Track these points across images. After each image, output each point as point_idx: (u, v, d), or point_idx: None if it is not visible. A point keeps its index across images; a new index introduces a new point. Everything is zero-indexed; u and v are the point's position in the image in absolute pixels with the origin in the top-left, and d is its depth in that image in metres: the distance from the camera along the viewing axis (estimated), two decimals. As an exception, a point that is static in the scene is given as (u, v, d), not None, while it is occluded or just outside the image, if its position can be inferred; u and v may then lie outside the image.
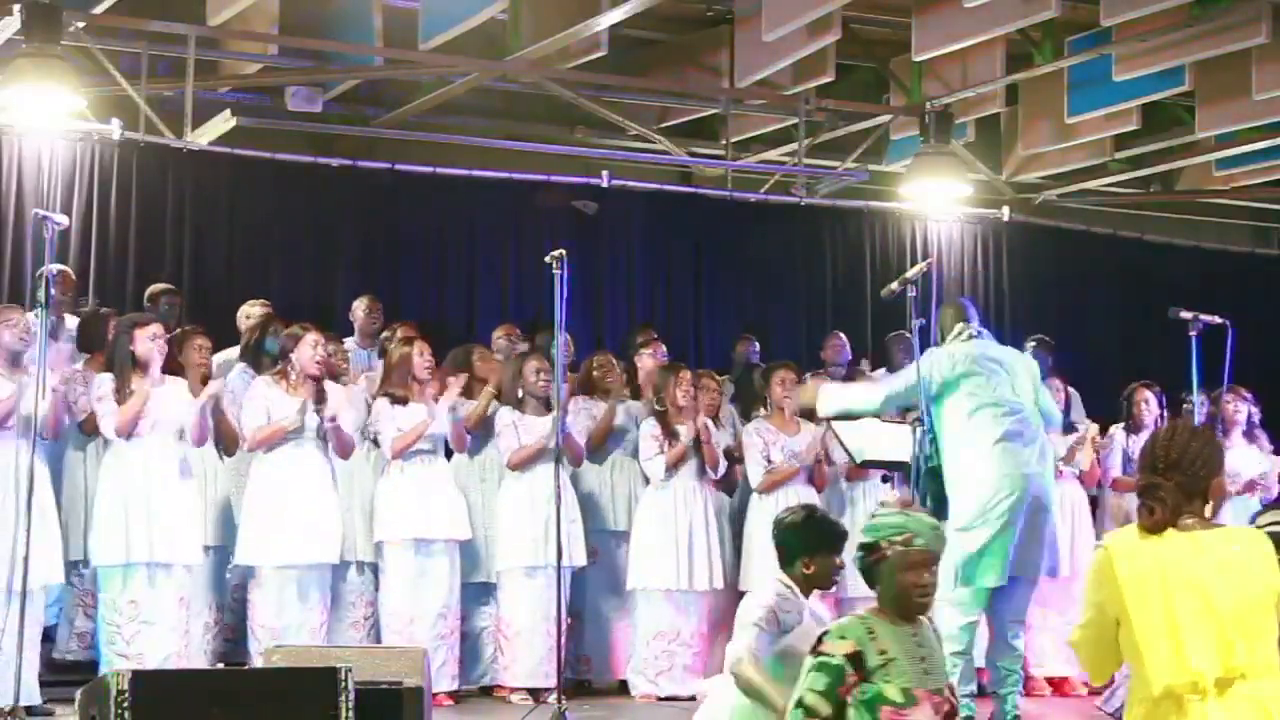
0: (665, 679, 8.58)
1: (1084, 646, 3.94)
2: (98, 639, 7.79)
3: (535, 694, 8.29)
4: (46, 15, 8.88)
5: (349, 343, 9.43)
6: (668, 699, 8.53)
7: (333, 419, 7.86)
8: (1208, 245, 13.61)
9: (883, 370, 10.18)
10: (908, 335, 7.51)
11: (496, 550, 8.56)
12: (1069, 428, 9.40)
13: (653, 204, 11.47)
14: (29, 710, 7.03)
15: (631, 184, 11.40)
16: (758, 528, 8.76)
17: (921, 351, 7.31)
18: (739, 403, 9.75)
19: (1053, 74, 11.11)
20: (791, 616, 5.36)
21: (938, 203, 11.94)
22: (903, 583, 4.31)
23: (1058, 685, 9.13)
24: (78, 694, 5.61)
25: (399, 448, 8.21)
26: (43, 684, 7.37)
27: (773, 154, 12.54)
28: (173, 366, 7.85)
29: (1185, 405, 9.53)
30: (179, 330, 8.37)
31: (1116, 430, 9.60)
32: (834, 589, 7.00)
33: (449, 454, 8.55)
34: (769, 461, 8.86)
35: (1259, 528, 5.12)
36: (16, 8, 8.92)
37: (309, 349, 7.94)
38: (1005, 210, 12.52)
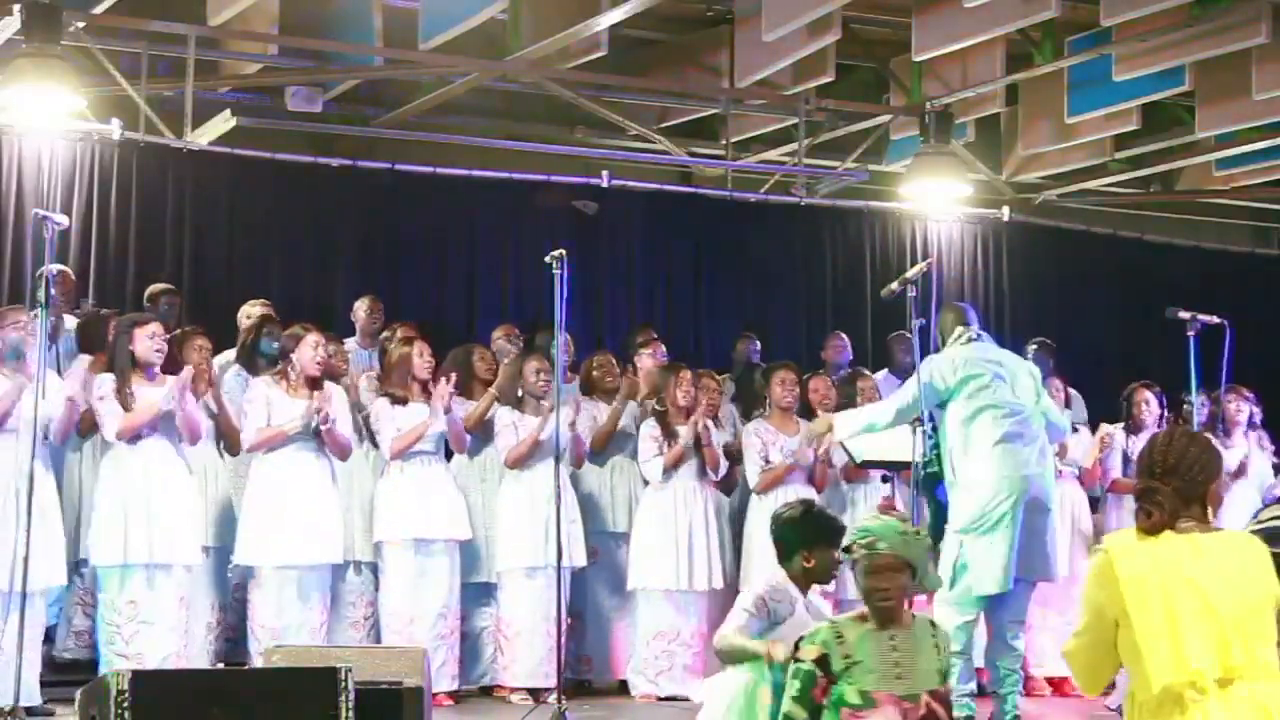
0: (665, 679, 8.58)
1: (1080, 654, 3.93)
2: (97, 638, 7.79)
3: (535, 694, 8.29)
4: (46, 15, 8.88)
5: (350, 343, 9.44)
6: (668, 699, 8.54)
7: (332, 421, 7.85)
8: (1208, 245, 13.61)
9: (884, 371, 10.19)
10: (908, 335, 7.51)
11: (497, 550, 8.56)
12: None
13: (653, 204, 11.47)
14: (29, 710, 7.03)
15: (631, 184, 11.40)
16: (757, 528, 8.76)
17: (922, 352, 7.31)
18: (740, 403, 9.75)
19: (1053, 74, 11.11)
20: (783, 607, 5.38)
21: (938, 203, 11.94)
22: (865, 586, 4.39)
23: (1058, 685, 9.13)
24: (78, 694, 5.61)
25: (398, 448, 8.21)
26: (43, 684, 7.37)
27: (773, 154, 12.54)
28: (173, 367, 7.85)
29: (1185, 405, 9.53)
30: (179, 330, 8.37)
31: (1116, 431, 9.59)
32: (834, 589, 7.02)
33: (449, 454, 8.56)
34: (767, 462, 8.86)
35: (1262, 521, 5.14)
36: (16, 8, 8.92)
37: (310, 350, 7.94)
38: (1005, 210, 12.52)
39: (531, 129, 12.07)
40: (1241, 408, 9.67)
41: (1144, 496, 3.82)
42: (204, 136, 10.27)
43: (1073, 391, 9.81)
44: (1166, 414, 9.58)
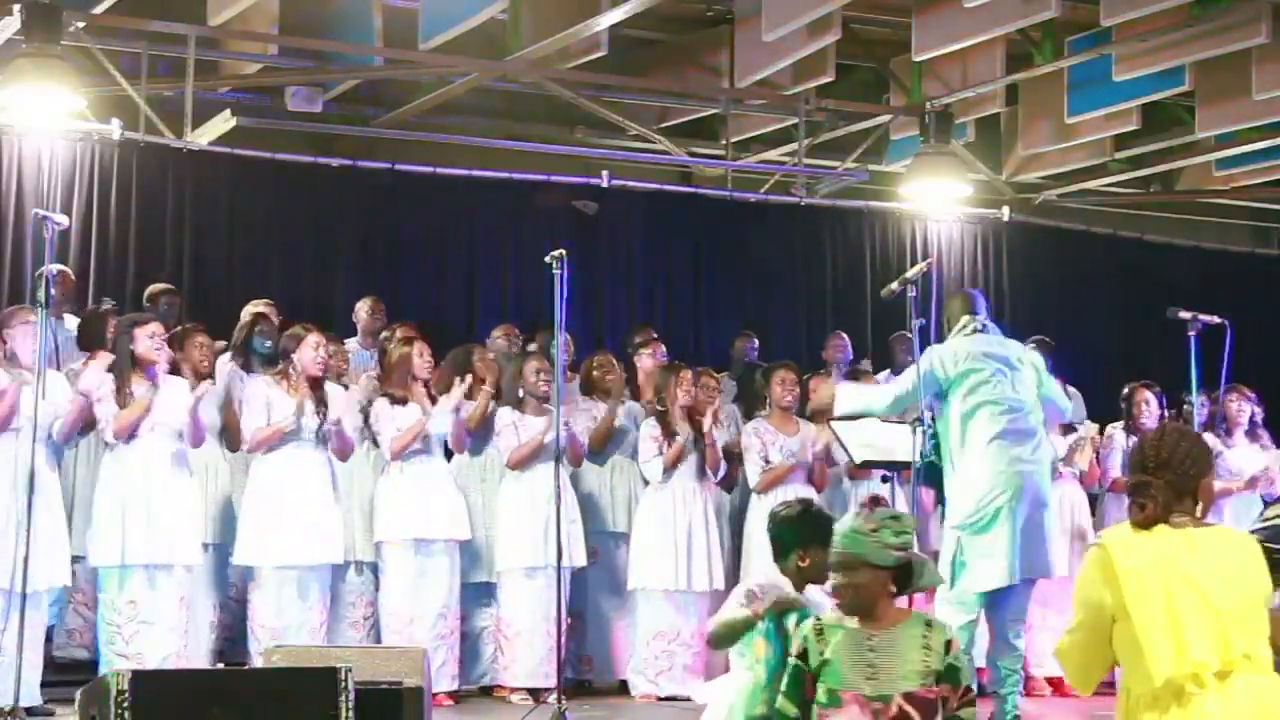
0: (665, 679, 8.58)
1: (1073, 652, 3.93)
2: (96, 638, 7.80)
3: (535, 694, 8.29)
4: (46, 15, 8.88)
5: (352, 343, 9.45)
6: (668, 699, 8.54)
7: (336, 421, 7.87)
8: (1208, 245, 13.61)
9: (886, 373, 10.18)
10: (909, 335, 7.51)
11: (496, 550, 8.56)
12: (1068, 428, 9.41)
13: (653, 204, 11.47)
14: (29, 710, 7.03)
15: (631, 184, 11.40)
16: (757, 527, 8.75)
17: (923, 351, 7.31)
18: (742, 402, 9.75)
19: (1053, 74, 11.11)
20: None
21: (938, 203, 11.94)
22: (833, 585, 4.40)
23: (1058, 685, 9.12)
24: (78, 694, 5.61)
25: (398, 448, 8.21)
26: (42, 684, 7.37)
27: (773, 154, 12.54)
28: (173, 366, 7.85)
29: (1185, 405, 9.54)
30: (179, 329, 8.37)
31: (1116, 430, 9.60)
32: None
33: (449, 454, 8.56)
34: (767, 462, 8.86)
35: (1266, 520, 5.17)
36: (16, 8, 8.93)
37: (310, 350, 7.94)
38: (1005, 210, 12.52)
39: (531, 129, 12.07)
40: (1243, 407, 9.67)
41: (1137, 490, 3.85)
42: (204, 136, 10.27)
43: (1072, 391, 9.80)
44: (1166, 414, 9.58)
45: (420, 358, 8.41)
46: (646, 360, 9.46)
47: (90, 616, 8.16)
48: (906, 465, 7.43)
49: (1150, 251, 13.03)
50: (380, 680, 5.86)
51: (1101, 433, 9.65)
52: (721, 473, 8.90)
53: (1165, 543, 3.79)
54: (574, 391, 9.03)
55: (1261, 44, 9.72)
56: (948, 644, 4.30)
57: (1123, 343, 12.13)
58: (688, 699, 8.49)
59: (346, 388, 8.39)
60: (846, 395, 7.77)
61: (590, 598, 8.91)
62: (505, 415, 8.57)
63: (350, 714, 5.35)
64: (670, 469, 8.66)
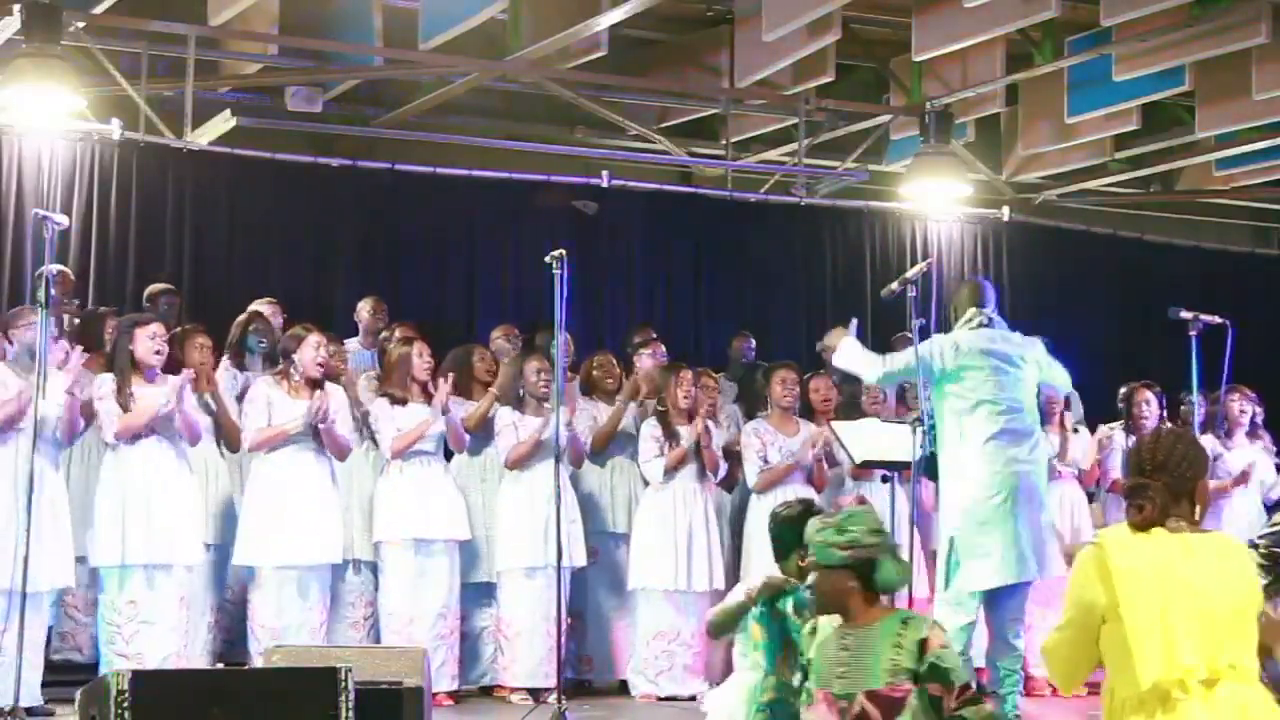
0: (665, 679, 8.59)
1: (1060, 649, 3.93)
2: (87, 641, 7.81)
3: (535, 694, 8.29)
4: (46, 15, 8.88)
5: (353, 343, 9.45)
6: (668, 699, 8.54)
7: (330, 420, 7.86)
8: (1208, 245, 13.61)
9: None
10: (909, 336, 7.50)
11: (496, 550, 8.56)
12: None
13: (653, 204, 11.47)
14: (29, 710, 7.03)
15: (631, 184, 11.40)
16: (757, 527, 8.76)
17: (923, 347, 7.31)
18: (743, 403, 9.75)
19: (1053, 74, 11.11)
20: None
21: (938, 203, 11.94)
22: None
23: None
24: (78, 694, 5.61)
25: (398, 448, 8.21)
26: (42, 684, 7.37)
27: (773, 154, 12.54)
28: (173, 366, 7.85)
29: (1183, 406, 9.53)
30: (179, 329, 8.37)
31: (1116, 431, 9.59)
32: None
33: (449, 454, 8.56)
34: (766, 462, 8.86)
35: (1272, 528, 5.18)
36: (16, 8, 8.93)
37: (311, 350, 7.94)
38: (1005, 210, 12.52)
39: (531, 129, 12.07)
40: (1245, 408, 9.67)
41: (1135, 492, 3.86)
42: (204, 136, 10.27)
43: (1072, 392, 9.79)
44: (1166, 414, 9.58)
45: (420, 358, 8.41)
46: (646, 360, 9.45)
47: (82, 619, 8.15)
48: (906, 465, 7.43)
49: (1150, 251, 13.03)
50: (380, 680, 5.87)
51: (1092, 431, 9.65)
52: (722, 473, 8.90)
53: (1162, 546, 3.79)
54: (574, 391, 9.03)
55: (1261, 44, 9.71)
56: (922, 642, 4.28)
57: (1123, 343, 12.13)
58: (690, 698, 8.50)
59: (345, 388, 8.39)
60: (847, 350, 7.69)
61: (590, 598, 8.91)
62: (505, 415, 8.57)
63: (350, 714, 5.35)
64: (672, 471, 8.66)
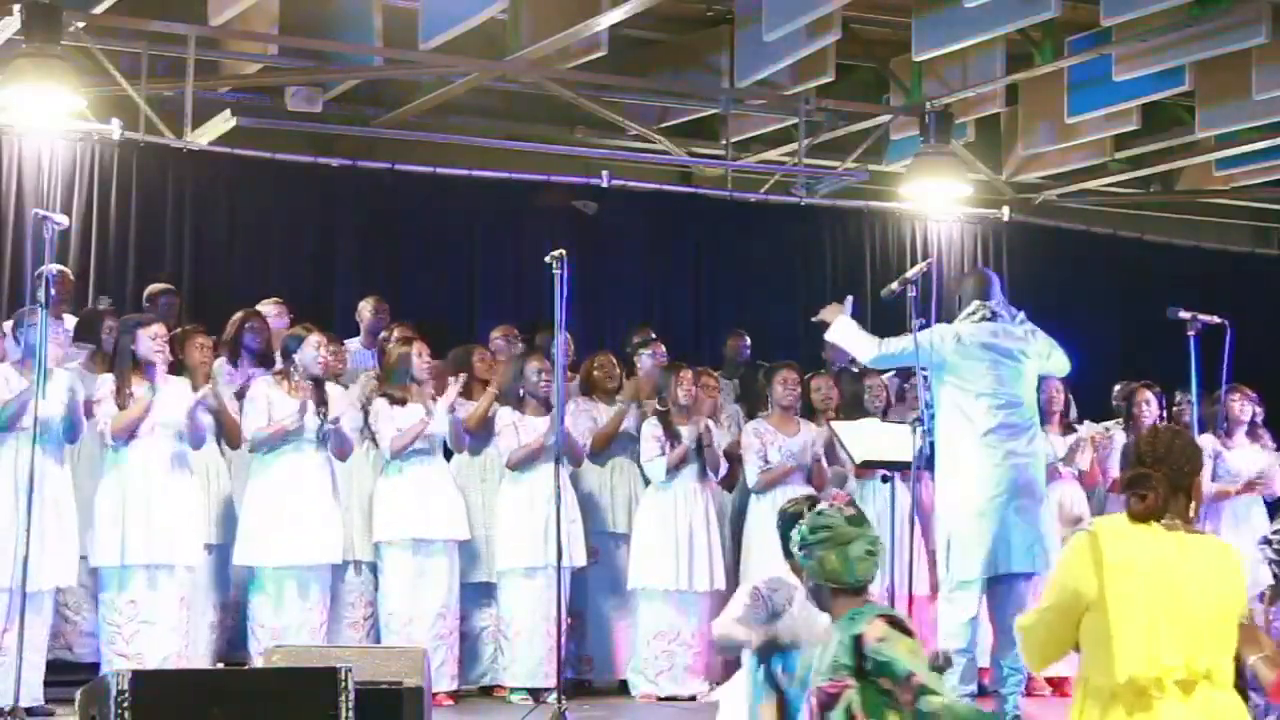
0: (665, 679, 8.58)
1: (1038, 629, 3.94)
2: (86, 637, 7.81)
3: (535, 694, 8.29)
4: (46, 15, 8.88)
5: (354, 343, 9.45)
6: (668, 699, 8.54)
7: (335, 420, 7.87)
8: (1208, 245, 13.61)
9: (890, 373, 10.18)
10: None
11: (496, 550, 8.56)
12: (1068, 428, 9.41)
13: (653, 204, 11.46)
14: (29, 710, 7.02)
15: (631, 184, 11.39)
16: (757, 527, 8.77)
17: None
18: (744, 403, 9.74)
19: (1053, 74, 11.11)
20: (781, 597, 5.41)
21: (938, 203, 11.94)
22: None
23: (1058, 685, 9.12)
24: (78, 694, 5.61)
25: (397, 447, 8.21)
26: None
27: (773, 154, 12.53)
28: (173, 366, 7.85)
29: (1176, 407, 9.53)
30: (180, 329, 8.37)
31: (1116, 430, 9.59)
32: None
33: (448, 454, 8.56)
34: (766, 462, 8.86)
35: (1276, 532, 5.22)
36: (16, 8, 8.93)
37: (312, 350, 7.94)
38: (1005, 210, 12.52)
39: (531, 129, 12.06)
40: (1245, 408, 9.66)
41: (1136, 483, 3.87)
42: (204, 136, 10.27)
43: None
44: (1165, 414, 9.58)
45: (419, 358, 8.41)
46: (646, 360, 9.46)
47: (72, 617, 8.13)
48: (906, 465, 7.43)
49: (1150, 251, 13.03)
50: (380, 680, 5.87)
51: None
52: (723, 472, 8.89)
53: (1156, 542, 3.81)
54: (574, 392, 9.03)
55: (1261, 44, 9.71)
56: (856, 638, 4.32)
57: (1123, 343, 12.13)
58: (688, 699, 8.50)
59: (346, 387, 8.39)
60: (842, 327, 7.71)
61: (590, 598, 8.91)
62: (505, 415, 8.57)
63: (350, 714, 5.35)
64: (674, 470, 8.65)
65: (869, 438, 8.00)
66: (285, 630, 7.74)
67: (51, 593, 7.43)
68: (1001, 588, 7.23)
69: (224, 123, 10.34)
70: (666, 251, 11.51)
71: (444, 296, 10.77)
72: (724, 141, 12.08)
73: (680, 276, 11.48)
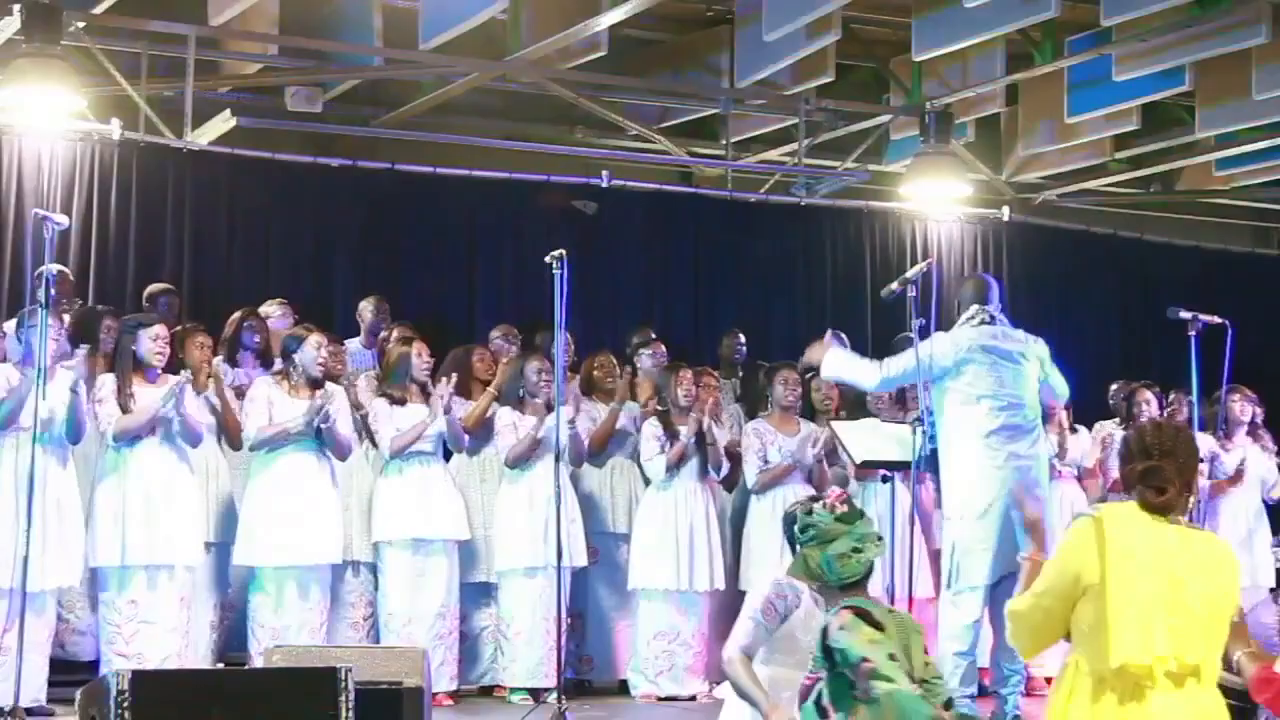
0: (666, 679, 8.59)
1: (1032, 614, 3.93)
2: (83, 635, 7.81)
3: (535, 694, 8.29)
4: (46, 15, 8.88)
5: (354, 343, 9.45)
6: (668, 699, 8.54)
7: (331, 420, 7.86)
8: (1208, 245, 13.59)
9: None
10: (910, 336, 7.51)
11: (496, 550, 8.56)
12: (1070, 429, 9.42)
13: (653, 204, 11.46)
14: (29, 710, 7.02)
15: (631, 184, 11.38)
16: (757, 527, 8.78)
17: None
18: (745, 402, 9.74)
19: (1053, 74, 11.11)
20: (789, 600, 5.39)
21: (938, 203, 11.94)
22: None
23: (1058, 685, 9.11)
24: (78, 694, 5.61)
25: (397, 447, 8.21)
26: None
27: (773, 154, 12.53)
28: (172, 366, 7.85)
29: (1171, 406, 9.53)
30: (180, 329, 8.37)
31: (1117, 430, 9.59)
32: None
33: (448, 454, 8.56)
34: (766, 462, 8.85)
35: None
36: (16, 8, 8.93)
37: (312, 350, 7.94)
38: (1005, 210, 12.52)
39: (531, 129, 12.06)
40: (1245, 408, 9.67)
41: (1150, 476, 3.87)
42: (204, 136, 10.27)
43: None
44: (1165, 414, 9.58)
45: (419, 358, 8.41)
46: (646, 360, 9.46)
47: (69, 618, 8.11)
48: (906, 465, 7.43)
49: (1150, 251, 13.02)
50: (380, 680, 5.87)
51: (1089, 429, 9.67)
52: (725, 470, 8.89)
53: (1159, 533, 3.83)
54: (574, 392, 9.02)
55: (1261, 44, 9.71)
56: (824, 630, 4.44)
57: (1123, 343, 12.13)
58: (688, 699, 8.50)
59: (345, 389, 8.39)
60: (834, 361, 7.69)
61: (591, 598, 8.91)
62: (505, 415, 8.57)
63: (350, 714, 5.35)
64: (674, 468, 8.65)
65: (869, 438, 8.00)
66: (285, 630, 7.74)
67: (54, 593, 7.43)
68: (1002, 589, 7.22)
69: (224, 123, 10.34)
70: (666, 251, 11.50)
71: (444, 296, 10.76)
72: (724, 141, 12.07)
73: (680, 276, 11.47)
